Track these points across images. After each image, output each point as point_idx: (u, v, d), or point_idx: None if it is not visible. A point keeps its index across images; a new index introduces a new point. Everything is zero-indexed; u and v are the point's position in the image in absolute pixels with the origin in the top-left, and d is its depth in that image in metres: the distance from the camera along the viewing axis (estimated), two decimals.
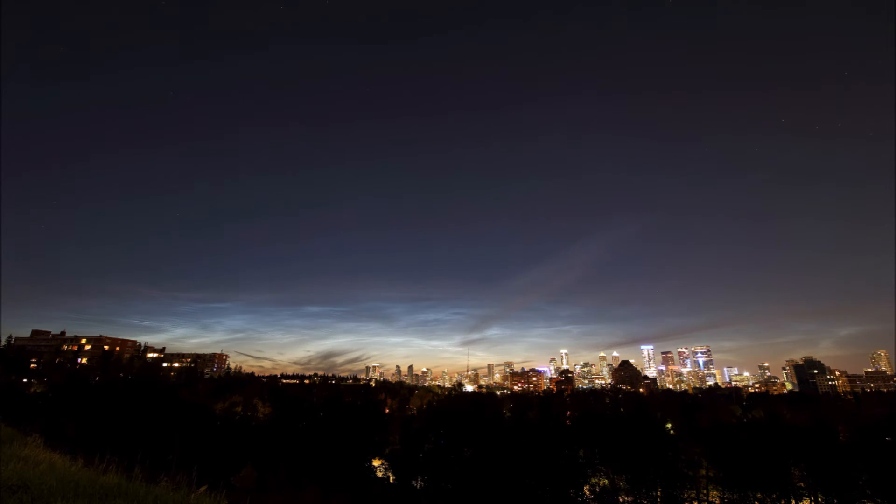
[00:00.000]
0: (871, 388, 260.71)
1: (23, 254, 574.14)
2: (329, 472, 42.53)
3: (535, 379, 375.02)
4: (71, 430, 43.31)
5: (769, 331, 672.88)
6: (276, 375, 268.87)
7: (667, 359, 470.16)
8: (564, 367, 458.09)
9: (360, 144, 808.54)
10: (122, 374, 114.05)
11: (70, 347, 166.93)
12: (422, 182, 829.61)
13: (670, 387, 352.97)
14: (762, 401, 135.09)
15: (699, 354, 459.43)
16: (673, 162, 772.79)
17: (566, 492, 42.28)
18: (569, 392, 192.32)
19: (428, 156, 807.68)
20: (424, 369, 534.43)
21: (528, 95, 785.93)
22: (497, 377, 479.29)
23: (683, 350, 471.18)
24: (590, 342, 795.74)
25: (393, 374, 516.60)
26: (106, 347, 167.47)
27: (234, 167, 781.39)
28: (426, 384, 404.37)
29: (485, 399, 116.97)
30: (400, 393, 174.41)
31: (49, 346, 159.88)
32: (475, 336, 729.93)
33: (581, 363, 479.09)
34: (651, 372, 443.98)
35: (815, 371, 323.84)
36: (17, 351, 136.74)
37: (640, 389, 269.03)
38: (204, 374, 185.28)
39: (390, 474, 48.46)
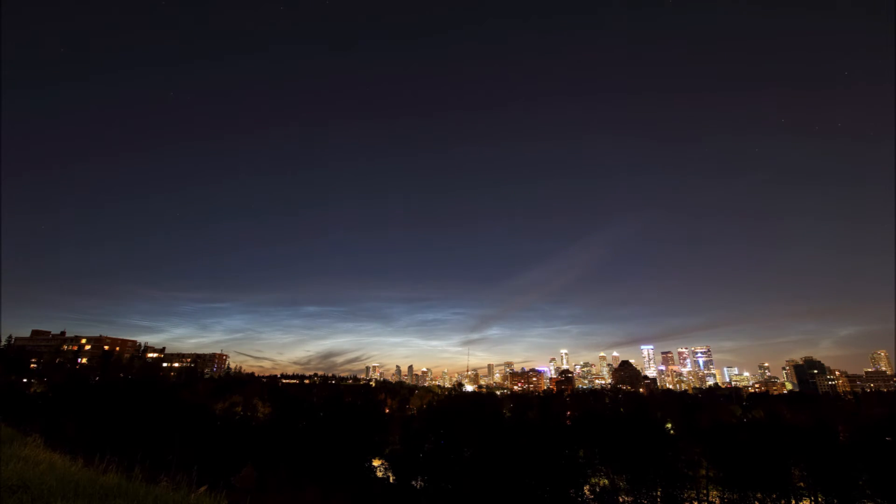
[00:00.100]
0: (871, 388, 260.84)
1: (23, 254, 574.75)
2: (329, 472, 42.55)
3: (534, 379, 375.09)
4: (71, 430, 43.35)
5: (769, 331, 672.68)
6: (275, 375, 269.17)
7: (667, 359, 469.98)
8: (564, 367, 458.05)
9: (360, 144, 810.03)
10: (122, 375, 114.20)
11: (70, 347, 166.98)
12: (422, 182, 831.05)
13: (670, 387, 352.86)
14: (762, 401, 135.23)
15: (699, 354, 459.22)
16: (673, 162, 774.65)
17: (566, 492, 42.30)
18: (569, 392, 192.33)
19: (428, 156, 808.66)
20: (424, 369, 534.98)
21: (528, 95, 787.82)
22: (497, 377, 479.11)
23: (683, 350, 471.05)
24: (590, 342, 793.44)
25: (393, 374, 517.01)
26: (106, 347, 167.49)
27: (234, 167, 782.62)
28: (426, 384, 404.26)
29: (485, 399, 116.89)
30: (400, 393, 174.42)
31: (49, 346, 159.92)
32: (475, 336, 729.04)
33: (581, 363, 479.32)
34: (651, 372, 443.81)
35: (815, 371, 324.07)
36: (17, 351, 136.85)
37: (640, 389, 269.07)
38: (204, 374, 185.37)
39: (390, 474, 48.46)
